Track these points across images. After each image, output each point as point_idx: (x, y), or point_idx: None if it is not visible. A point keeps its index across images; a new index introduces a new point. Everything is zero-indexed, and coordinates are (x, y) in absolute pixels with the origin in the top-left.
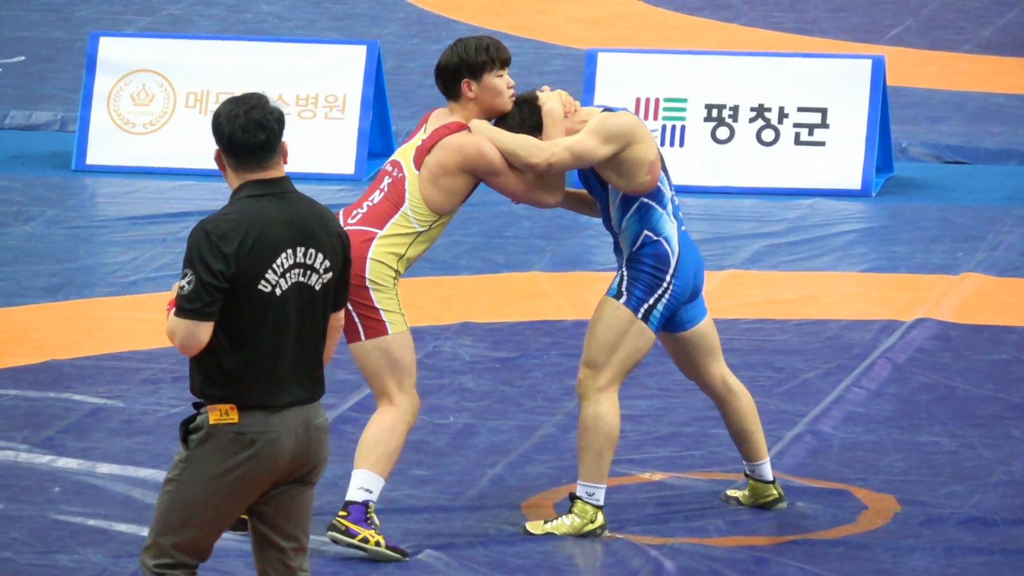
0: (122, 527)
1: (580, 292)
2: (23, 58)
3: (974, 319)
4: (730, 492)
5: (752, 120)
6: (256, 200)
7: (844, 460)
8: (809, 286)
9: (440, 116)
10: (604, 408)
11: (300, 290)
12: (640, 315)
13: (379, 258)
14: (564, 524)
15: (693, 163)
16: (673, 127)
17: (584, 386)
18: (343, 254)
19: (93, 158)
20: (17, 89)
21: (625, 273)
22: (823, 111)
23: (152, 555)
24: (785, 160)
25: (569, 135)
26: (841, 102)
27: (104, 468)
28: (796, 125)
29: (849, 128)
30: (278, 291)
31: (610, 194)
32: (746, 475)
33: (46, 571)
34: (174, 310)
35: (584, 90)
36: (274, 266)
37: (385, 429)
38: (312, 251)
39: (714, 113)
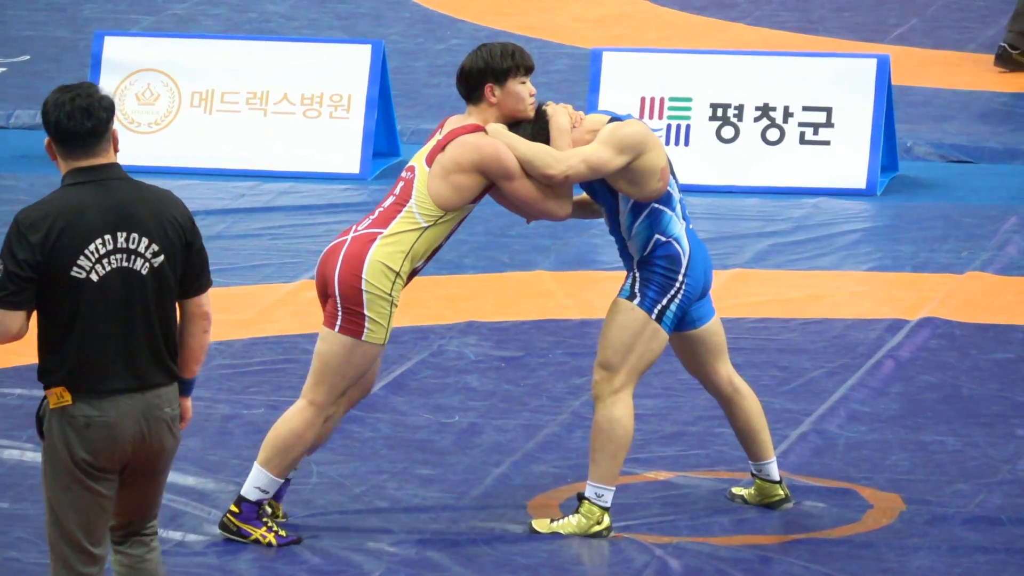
0: None
1: (585, 291)
2: (28, 57)
3: (979, 318)
4: (735, 490)
5: (757, 119)
6: (74, 188)
7: (849, 459)
8: (814, 285)
9: (457, 120)
10: (619, 411)
11: (124, 275)
12: (654, 316)
13: (380, 259)
14: (570, 524)
15: (698, 162)
16: (678, 126)
17: (599, 388)
18: (180, 238)
19: None
20: (22, 88)
21: (637, 275)
22: (828, 110)
23: (57, 555)
24: (790, 159)
25: (576, 145)
26: (846, 101)
27: None
28: (801, 124)
29: (854, 127)
30: (95, 277)
31: (620, 202)
32: (752, 474)
33: (49, 570)
34: None
35: (589, 90)
36: (87, 252)
37: (292, 432)
38: (135, 236)
39: (719, 112)
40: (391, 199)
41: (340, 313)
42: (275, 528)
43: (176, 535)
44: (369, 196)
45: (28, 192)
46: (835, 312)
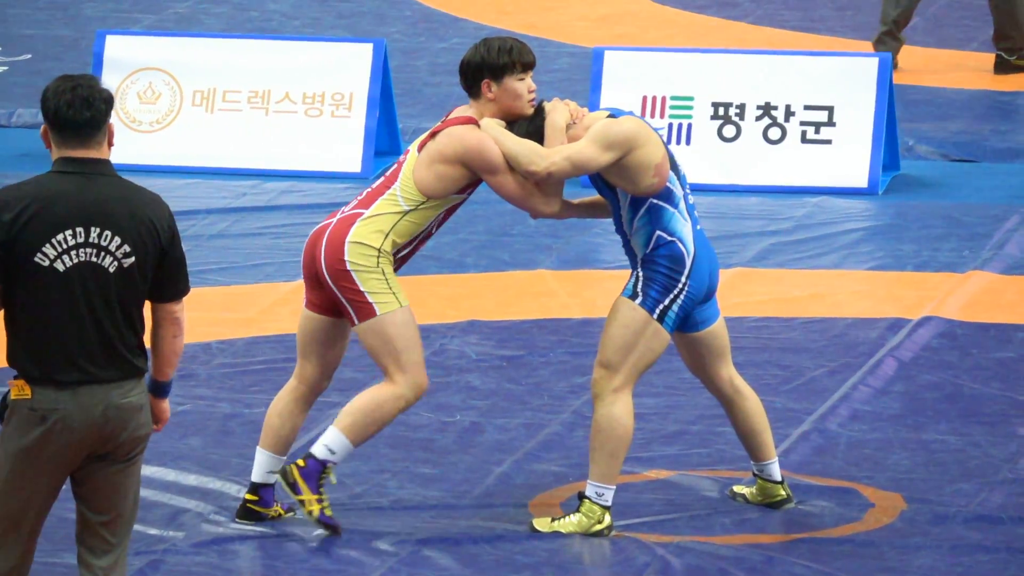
0: None
1: (586, 290)
2: (30, 56)
3: (981, 317)
4: (737, 488)
5: (759, 118)
6: (57, 176)
7: (850, 458)
8: (816, 284)
9: (460, 111)
10: (619, 410)
11: (90, 270)
12: (656, 316)
13: (359, 239)
14: (571, 523)
15: (700, 161)
16: (680, 125)
17: (599, 386)
18: (154, 242)
19: None
20: (24, 87)
21: (640, 274)
22: (830, 109)
23: None
24: (792, 158)
25: (572, 142)
26: (848, 100)
27: None
28: (803, 123)
29: (856, 126)
30: (60, 267)
31: (620, 196)
32: (754, 474)
33: (53, 569)
34: None
35: (591, 88)
36: (53, 241)
37: (374, 400)
38: (108, 233)
39: (721, 111)
40: (380, 180)
41: (347, 304)
42: (326, 502)
43: (178, 534)
44: None
45: None
46: (836, 311)
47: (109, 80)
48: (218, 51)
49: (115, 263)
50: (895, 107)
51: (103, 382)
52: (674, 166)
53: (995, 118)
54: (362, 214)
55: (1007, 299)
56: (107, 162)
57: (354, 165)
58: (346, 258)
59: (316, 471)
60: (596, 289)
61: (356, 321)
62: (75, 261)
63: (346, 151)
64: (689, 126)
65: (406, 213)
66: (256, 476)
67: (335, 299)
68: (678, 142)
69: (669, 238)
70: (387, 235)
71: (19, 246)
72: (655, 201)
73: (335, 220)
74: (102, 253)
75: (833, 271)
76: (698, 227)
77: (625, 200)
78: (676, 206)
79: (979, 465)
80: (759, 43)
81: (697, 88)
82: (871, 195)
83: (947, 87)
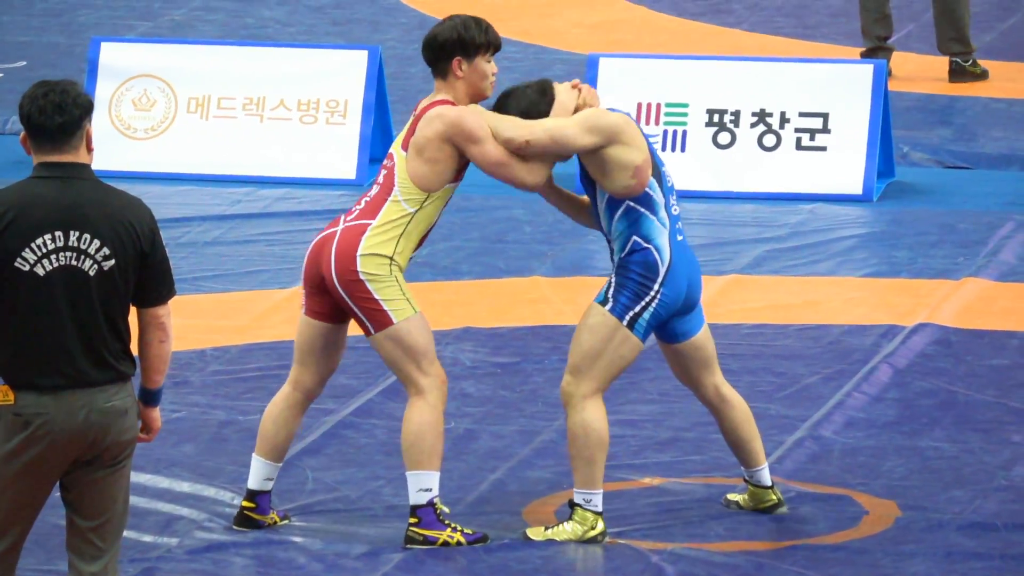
0: None
1: (581, 297)
2: (25, 63)
3: (975, 324)
4: (730, 496)
5: (753, 125)
6: (36, 181)
7: (845, 465)
8: (810, 291)
9: (426, 100)
10: (590, 415)
11: (70, 273)
12: (625, 322)
13: (370, 251)
14: (565, 530)
15: (694, 168)
16: (674, 132)
17: (567, 393)
18: (134, 246)
19: (94, 163)
20: (19, 94)
21: (613, 279)
22: (824, 116)
23: None
24: (786, 165)
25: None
26: (842, 107)
27: None
28: (797, 130)
29: (850, 133)
30: (40, 271)
31: (597, 194)
32: (745, 480)
33: None
34: None
35: None
36: (33, 246)
37: (419, 426)
38: (86, 236)
39: (715, 118)
40: (376, 188)
41: (361, 315)
42: (459, 527)
43: (171, 541)
44: None
45: None
46: (831, 318)
47: (104, 87)
48: (213, 58)
49: (95, 266)
50: (890, 114)
51: (86, 386)
52: (659, 174)
53: (989, 125)
54: (370, 224)
55: (1001, 306)
56: (86, 166)
57: (349, 172)
58: (359, 268)
59: (430, 515)
60: (590, 296)
61: (372, 331)
62: (55, 265)
63: (341, 158)
64: (684, 133)
65: (413, 215)
66: (253, 483)
67: (343, 308)
68: (673, 149)
69: (644, 244)
70: (398, 241)
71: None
72: (632, 204)
73: (339, 229)
74: (82, 256)
75: (828, 278)
76: (679, 237)
77: (603, 199)
78: (656, 213)
79: (973, 472)
80: (754, 50)
81: (692, 95)
82: (866, 202)
83: (941, 94)
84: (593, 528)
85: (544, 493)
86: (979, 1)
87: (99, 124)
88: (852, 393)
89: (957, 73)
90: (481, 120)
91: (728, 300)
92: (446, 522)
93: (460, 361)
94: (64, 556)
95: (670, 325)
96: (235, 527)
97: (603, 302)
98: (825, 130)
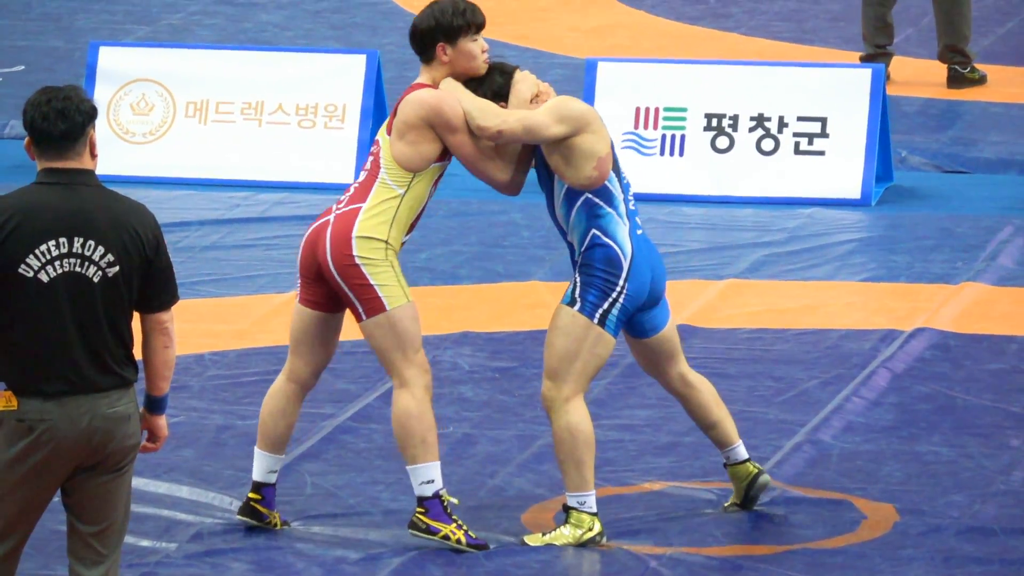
0: None
1: None
2: (23, 67)
3: (973, 329)
4: (727, 503)
5: (752, 129)
6: (39, 187)
7: (843, 470)
8: (808, 296)
9: (412, 85)
10: (574, 417)
11: (75, 280)
12: (596, 320)
13: (364, 233)
14: (563, 535)
15: (692, 172)
16: (673, 136)
17: (549, 399)
18: (139, 251)
19: None
20: (17, 99)
21: (578, 279)
22: (823, 120)
23: None
24: (785, 169)
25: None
26: (841, 111)
27: None
28: (796, 135)
29: (849, 137)
30: (44, 277)
31: (556, 187)
32: (725, 466)
33: None
34: None
35: (584, 99)
36: (37, 252)
37: (407, 416)
38: (91, 243)
39: (714, 122)
40: (364, 173)
41: (354, 299)
42: (464, 526)
43: (170, 545)
44: None
45: None
46: (829, 323)
47: (102, 91)
48: (211, 62)
49: (99, 272)
50: (888, 118)
51: (90, 392)
52: (617, 169)
53: (988, 129)
54: (361, 207)
55: (1000, 310)
56: (90, 172)
57: (347, 176)
58: (355, 252)
59: (437, 507)
60: None
61: (363, 316)
62: (59, 271)
63: (339, 162)
64: (682, 137)
65: (403, 196)
66: (257, 475)
67: (338, 294)
68: (671, 153)
69: (605, 240)
70: (391, 224)
71: (3, 258)
72: (590, 196)
73: (333, 216)
74: (86, 263)
75: (826, 282)
76: (639, 232)
77: (561, 191)
78: (615, 207)
79: (972, 477)
80: (752, 54)
81: (690, 99)
82: (864, 206)
83: (940, 98)
84: (590, 529)
85: (543, 498)
86: (978, 5)
87: (97, 128)
88: (851, 398)
89: (955, 79)
90: (459, 109)
91: (726, 304)
92: (453, 516)
93: (458, 365)
94: (63, 560)
95: (638, 320)
96: (238, 516)
97: (571, 303)
98: (823, 134)
